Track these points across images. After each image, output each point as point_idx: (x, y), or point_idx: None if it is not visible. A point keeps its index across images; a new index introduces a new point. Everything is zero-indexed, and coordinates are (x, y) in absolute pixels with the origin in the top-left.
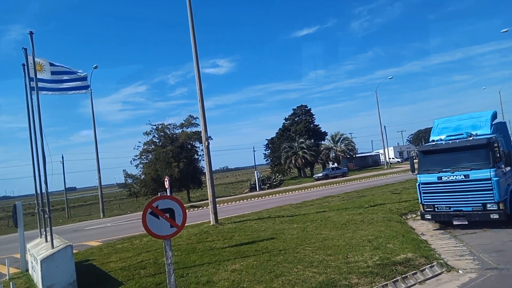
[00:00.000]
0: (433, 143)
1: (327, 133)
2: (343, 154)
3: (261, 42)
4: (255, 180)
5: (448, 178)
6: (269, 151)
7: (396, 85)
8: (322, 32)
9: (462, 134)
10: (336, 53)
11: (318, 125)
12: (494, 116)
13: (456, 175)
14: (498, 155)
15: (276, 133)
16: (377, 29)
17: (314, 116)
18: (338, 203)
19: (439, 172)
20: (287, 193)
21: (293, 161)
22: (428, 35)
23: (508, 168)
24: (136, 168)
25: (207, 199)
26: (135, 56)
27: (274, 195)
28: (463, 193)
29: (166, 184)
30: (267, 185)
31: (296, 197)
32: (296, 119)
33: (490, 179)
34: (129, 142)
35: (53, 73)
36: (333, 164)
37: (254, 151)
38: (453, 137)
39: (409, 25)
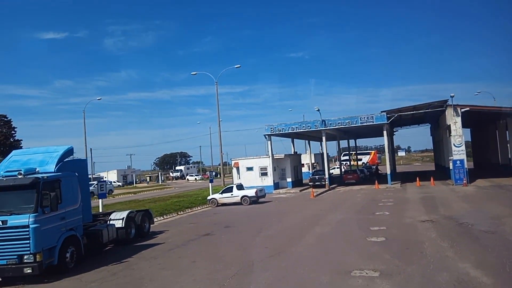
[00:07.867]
0: None
1: None
2: None
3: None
4: None
5: None
6: None
7: (147, 109)
8: (72, 40)
9: (19, 170)
10: (87, 66)
11: (21, 140)
12: (69, 152)
13: None
14: (48, 198)
15: None
16: (131, 52)
17: (15, 129)
18: None
19: None
20: None
21: None
22: (176, 68)
23: (73, 209)
24: None
25: None
26: None
27: None
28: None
29: None
30: None
31: None
32: None
33: (28, 226)
34: None
35: None
36: None
37: None
38: (9, 174)
39: (160, 55)
